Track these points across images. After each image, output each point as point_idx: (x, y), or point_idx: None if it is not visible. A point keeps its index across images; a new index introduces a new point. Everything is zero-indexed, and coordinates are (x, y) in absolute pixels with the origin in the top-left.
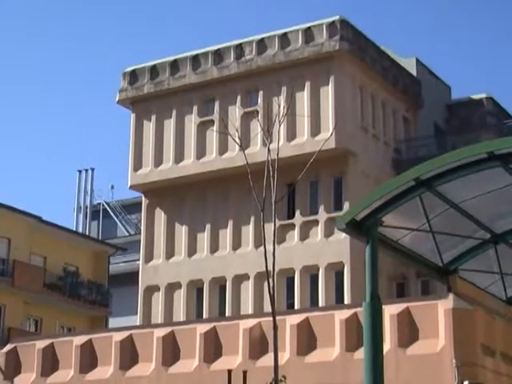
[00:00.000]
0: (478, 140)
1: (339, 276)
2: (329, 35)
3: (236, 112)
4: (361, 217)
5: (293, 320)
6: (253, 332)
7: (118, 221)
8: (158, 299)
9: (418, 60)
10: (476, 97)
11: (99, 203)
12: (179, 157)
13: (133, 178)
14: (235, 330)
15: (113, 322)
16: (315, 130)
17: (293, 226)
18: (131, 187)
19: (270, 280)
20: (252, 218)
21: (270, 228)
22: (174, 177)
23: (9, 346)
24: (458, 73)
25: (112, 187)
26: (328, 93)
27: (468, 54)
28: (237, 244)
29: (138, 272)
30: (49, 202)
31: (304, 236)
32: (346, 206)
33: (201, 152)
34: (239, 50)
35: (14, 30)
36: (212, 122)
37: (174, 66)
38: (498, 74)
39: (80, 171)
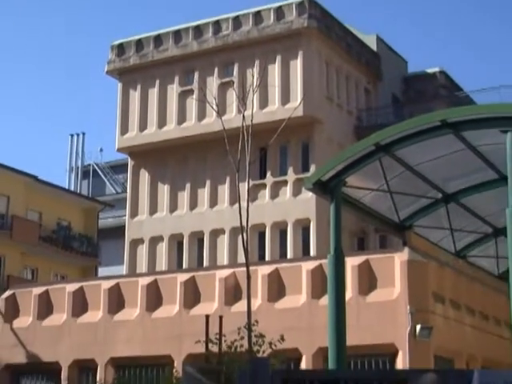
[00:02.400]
0: (431, 109)
1: (306, 231)
2: (298, 14)
3: (214, 82)
4: (326, 178)
5: (264, 270)
6: (228, 281)
7: (106, 180)
8: (143, 251)
9: (378, 37)
10: (430, 70)
11: (89, 164)
12: (162, 122)
13: (120, 142)
14: (212, 279)
15: (102, 271)
16: (285, 99)
17: (264, 185)
18: (118, 150)
19: (244, 234)
20: (228, 178)
21: (243, 187)
22: (157, 140)
23: (8, 293)
24: (414, 48)
25: (101, 150)
26: (297, 66)
27: (423, 31)
28: (214, 202)
29: (124, 226)
30: (44, 163)
31: (274, 195)
32: (313, 168)
33: (181, 118)
34: (217, 26)
35: (13, 5)
36: (192, 91)
37: (158, 40)
38: (450, 49)
39: (72, 135)
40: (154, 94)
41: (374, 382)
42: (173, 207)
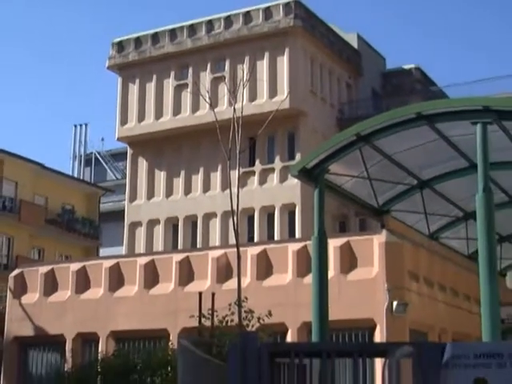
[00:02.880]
0: (407, 103)
1: (291, 215)
2: (285, 14)
3: (206, 77)
4: (310, 166)
5: (253, 251)
6: (219, 260)
7: (107, 167)
8: (141, 233)
9: (358, 35)
10: (406, 67)
11: (91, 152)
12: (159, 114)
13: (120, 132)
14: (205, 258)
15: (103, 252)
16: (272, 92)
17: (253, 172)
18: (118, 139)
19: (235, 217)
20: (219, 166)
21: (234, 174)
22: (154, 131)
23: (16, 271)
24: (392, 46)
25: (102, 139)
26: (283, 62)
27: (400, 30)
28: (207, 187)
29: (123, 210)
30: (50, 151)
31: (262, 181)
32: (298, 156)
33: (177, 110)
34: (209, 25)
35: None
36: (186, 85)
37: (155, 37)
38: (425, 47)
39: (76, 126)
40: (151, 87)
41: (354, 354)
42: (169, 192)
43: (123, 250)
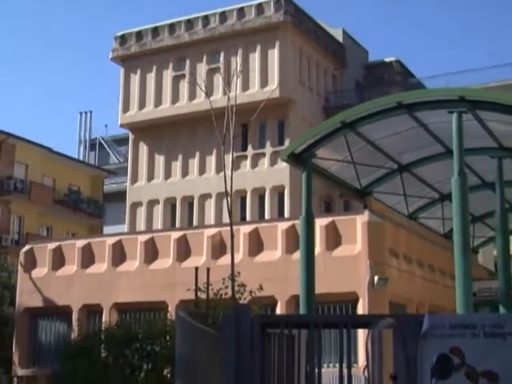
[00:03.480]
0: (388, 93)
1: (281, 196)
2: (275, 10)
3: (203, 68)
4: (299, 150)
5: (245, 229)
6: (214, 238)
7: (110, 151)
8: (141, 212)
9: (343, 30)
10: (387, 60)
11: (96, 138)
12: (158, 102)
13: (122, 119)
14: (201, 236)
15: (106, 230)
16: (264, 83)
17: (246, 157)
18: (121, 125)
19: (228, 198)
20: (214, 150)
21: (228, 158)
22: (154, 117)
23: (27, 247)
24: (374, 41)
25: (106, 125)
26: (274, 55)
27: (382, 26)
28: (202, 170)
29: (125, 191)
30: (58, 136)
31: (254, 165)
32: (287, 142)
33: (175, 98)
34: (206, 19)
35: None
36: (184, 75)
37: (155, 31)
38: (405, 41)
39: (81, 113)
40: (151, 77)
41: (339, 325)
42: (167, 175)
43: (125, 228)
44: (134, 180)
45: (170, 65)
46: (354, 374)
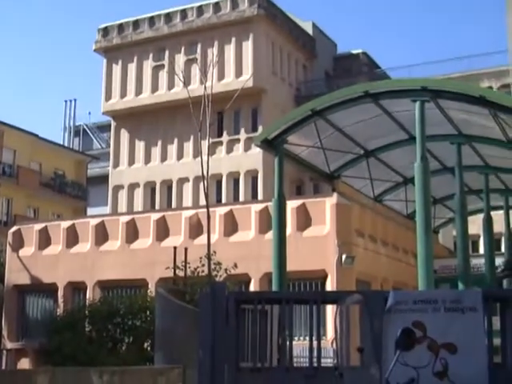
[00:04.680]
0: (355, 83)
1: (254, 180)
2: (249, 4)
3: (181, 59)
4: (271, 137)
5: (221, 211)
6: (192, 219)
7: (93, 138)
8: (123, 195)
9: (313, 23)
10: (355, 52)
11: (80, 125)
12: (138, 91)
13: (104, 107)
14: (179, 217)
15: (90, 211)
16: (238, 73)
17: (221, 142)
18: (103, 113)
19: (205, 182)
20: (191, 137)
21: (204, 144)
22: (135, 105)
23: (15, 228)
24: (342, 33)
25: (89, 113)
26: (248, 46)
27: (349, 20)
28: (180, 155)
29: (108, 175)
30: (44, 123)
31: (229, 150)
32: (260, 128)
33: (154, 87)
34: (184, 13)
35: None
36: (163, 66)
37: (136, 24)
38: (371, 34)
39: (66, 101)
40: (132, 68)
41: (309, 301)
42: (147, 160)
43: (107, 209)
44: (116, 164)
45: (150, 56)
46: (322, 346)
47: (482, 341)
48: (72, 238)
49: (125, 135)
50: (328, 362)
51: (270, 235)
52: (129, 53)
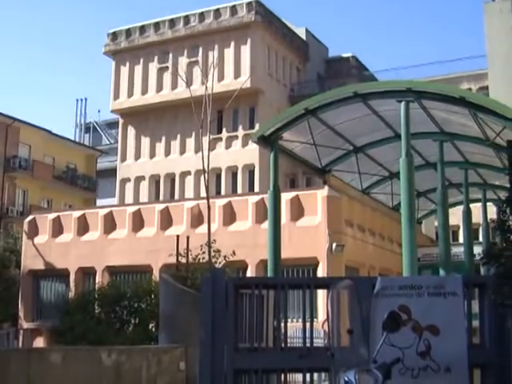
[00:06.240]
0: (345, 84)
1: (251, 173)
2: (247, 11)
3: (183, 61)
4: (267, 133)
5: (220, 202)
6: (193, 210)
7: (102, 134)
8: (130, 187)
9: (306, 29)
10: (345, 55)
11: (90, 122)
12: (144, 91)
13: (113, 105)
14: (181, 208)
15: (99, 202)
16: (237, 74)
17: (220, 139)
18: (112, 111)
19: (205, 175)
20: (193, 133)
21: (205, 140)
22: (141, 104)
23: (30, 217)
24: (333, 38)
25: (99, 111)
26: (246, 50)
27: (340, 25)
28: (183, 150)
29: (116, 169)
30: (57, 120)
31: (228, 146)
32: (257, 126)
33: (159, 88)
34: (186, 19)
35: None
36: (167, 67)
37: (142, 29)
38: (360, 38)
39: (77, 100)
40: (138, 69)
41: (303, 286)
42: (152, 154)
43: (115, 200)
44: (123, 159)
45: (155, 58)
46: (314, 327)
47: (462, 323)
48: (82, 226)
49: (131, 132)
50: (319, 342)
51: (266, 225)
52: (135, 55)
